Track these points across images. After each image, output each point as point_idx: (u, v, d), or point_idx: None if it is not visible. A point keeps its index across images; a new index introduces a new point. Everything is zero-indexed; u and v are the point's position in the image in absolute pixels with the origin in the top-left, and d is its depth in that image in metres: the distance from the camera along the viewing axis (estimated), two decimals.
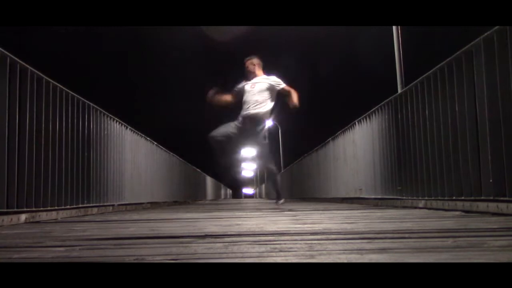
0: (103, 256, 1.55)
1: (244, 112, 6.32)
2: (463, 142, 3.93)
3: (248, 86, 6.43)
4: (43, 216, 4.01)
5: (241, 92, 6.44)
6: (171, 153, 11.85)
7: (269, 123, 6.58)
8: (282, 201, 6.58)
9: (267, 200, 17.77)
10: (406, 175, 5.35)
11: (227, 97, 6.55)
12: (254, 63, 6.54)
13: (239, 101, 6.46)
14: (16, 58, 3.68)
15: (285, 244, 1.79)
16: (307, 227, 2.62)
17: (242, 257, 1.46)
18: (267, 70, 6.62)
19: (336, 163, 9.48)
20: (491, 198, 3.45)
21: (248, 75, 6.52)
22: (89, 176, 5.43)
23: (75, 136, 4.98)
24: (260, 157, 6.62)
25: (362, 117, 7.30)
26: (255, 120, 6.30)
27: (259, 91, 6.34)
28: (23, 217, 3.65)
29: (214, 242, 1.89)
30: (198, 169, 18.83)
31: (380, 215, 3.76)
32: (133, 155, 7.79)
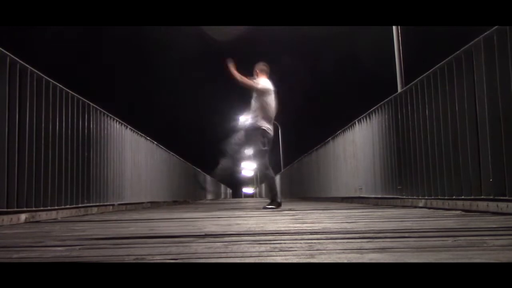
0: (103, 256, 1.55)
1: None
2: (463, 142, 3.93)
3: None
4: (43, 216, 4.01)
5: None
6: (171, 152, 11.85)
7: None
8: (272, 206, 6.27)
9: (268, 200, 17.78)
10: (406, 175, 5.35)
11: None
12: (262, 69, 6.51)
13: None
14: (16, 58, 3.68)
15: (285, 243, 1.79)
16: (307, 227, 2.62)
17: (242, 257, 1.46)
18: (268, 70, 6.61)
19: (336, 162, 9.48)
20: (491, 197, 3.45)
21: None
22: (89, 176, 5.43)
23: (75, 136, 4.98)
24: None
25: (362, 116, 7.30)
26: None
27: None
28: (23, 217, 3.65)
29: (214, 242, 1.89)
30: (198, 169, 18.82)
31: (380, 215, 3.76)
32: (133, 155, 7.79)
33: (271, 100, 6.36)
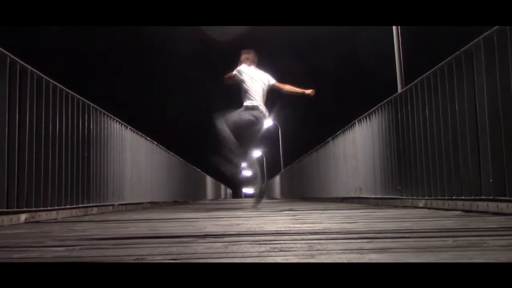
0: (103, 256, 1.55)
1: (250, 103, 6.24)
2: (463, 142, 3.93)
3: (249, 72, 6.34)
4: (43, 216, 4.01)
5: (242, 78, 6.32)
6: (171, 153, 11.85)
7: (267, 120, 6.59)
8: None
9: (267, 200, 17.78)
10: (406, 175, 5.35)
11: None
12: (251, 57, 6.48)
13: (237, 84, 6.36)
14: (16, 58, 3.68)
15: (285, 243, 1.79)
16: (307, 227, 2.62)
17: (242, 257, 1.46)
18: (267, 71, 6.60)
19: (336, 162, 9.49)
20: (491, 197, 3.45)
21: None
22: (89, 176, 5.43)
23: (75, 136, 4.98)
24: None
25: (362, 116, 7.30)
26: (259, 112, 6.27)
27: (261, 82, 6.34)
28: (23, 217, 3.65)
29: (214, 242, 1.89)
30: (198, 169, 18.84)
31: (380, 215, 3.76)
32: (133, 155, 7.79)
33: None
